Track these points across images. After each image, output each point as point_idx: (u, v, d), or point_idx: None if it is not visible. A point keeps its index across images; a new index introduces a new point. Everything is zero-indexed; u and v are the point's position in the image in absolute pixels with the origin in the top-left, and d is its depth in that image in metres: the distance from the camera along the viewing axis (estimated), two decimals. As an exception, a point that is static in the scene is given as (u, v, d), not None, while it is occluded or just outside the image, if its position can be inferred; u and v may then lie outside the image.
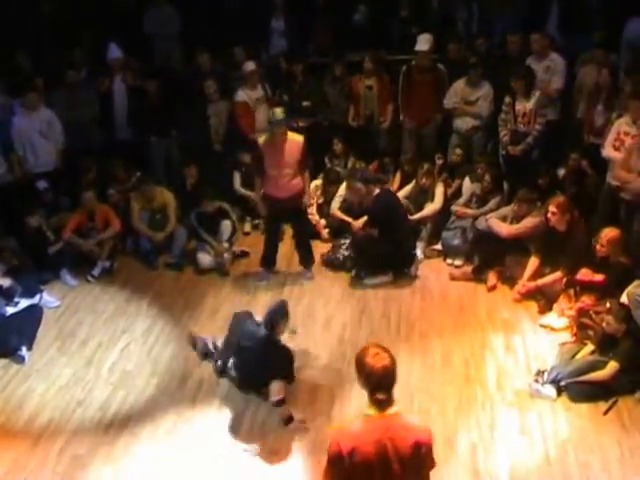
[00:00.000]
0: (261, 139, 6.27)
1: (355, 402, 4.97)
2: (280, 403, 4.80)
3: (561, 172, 7.03)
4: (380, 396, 2.91)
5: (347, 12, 8.77)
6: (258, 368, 4.89)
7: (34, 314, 5.99)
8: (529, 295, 6.11)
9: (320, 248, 7.10)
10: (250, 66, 7.76)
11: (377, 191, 6.46)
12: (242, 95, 7.77)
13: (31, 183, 7.26)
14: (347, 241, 6.93)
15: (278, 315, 4.98)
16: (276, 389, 4.79)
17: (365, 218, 6.72)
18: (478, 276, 6.51)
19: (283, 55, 8.51)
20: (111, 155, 7.77)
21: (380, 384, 2.91)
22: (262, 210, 6.55)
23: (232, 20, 8.42)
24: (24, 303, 6.05)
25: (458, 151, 7.59)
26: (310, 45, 8.85)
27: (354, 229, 6.91)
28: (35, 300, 6.20)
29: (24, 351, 5.66)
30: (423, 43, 7.59)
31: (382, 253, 6.48)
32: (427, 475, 3.03)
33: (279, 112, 6.08)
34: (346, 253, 6.82)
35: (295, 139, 6.20)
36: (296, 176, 6.29)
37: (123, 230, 7.17)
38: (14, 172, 7.23)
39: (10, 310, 5.93)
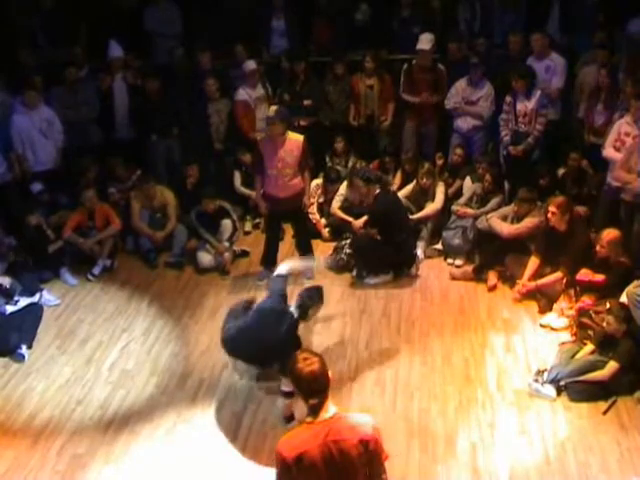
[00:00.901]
0: (261, 139, 6.27)
1: (355, 401, 4.98)
2: (289, 395, 4.70)
3: (561, 172, 7.03)
4: (312, 401, 2.89)
5: (348, 11, 8.77)
6: (278, 345, 4.63)
7: (34, 313, 5.99)
8: (529, 295, 6.11)
9: (321, 247, 7.10)
10: (251, 65, 7.76)
11: (378, 191, 6.46)
12: (242, 94, 7.77)
13: (31, 182, 7.26)
14: (348, 241, 6.93)
15: (314, 299, 4.94)
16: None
17: (365, 217, 6.72)
18: (478, 276, 6.51)
19: (285, 54, 8.50)
20: (111, 154, 7.77)
21: (310, 389, 2.89)
22: (262, 209, 6.56)
23: (233, 19, 8.41)
24: (24, 302, 6.05)
25: (458, 151, 7.60)
26: (311, 44, 8.84)
27: (355, 228, 6.91)
28: (35, 299, 6.20)
29: (24, 350, 5.66)
30: (425, 42, 7.59)
31: (382, 253, 6.49)
32: (380, 468, 3.00)
33: (273, 109, 6.09)
34: (349, 251, 6.82)
35: (295, 138, 6.19)
36: (296, 176, 6.28)
37: (123, 229, 7.17)
38: (14, 171, 7.24)
39: (10, 309, 5.92)
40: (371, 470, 2.97)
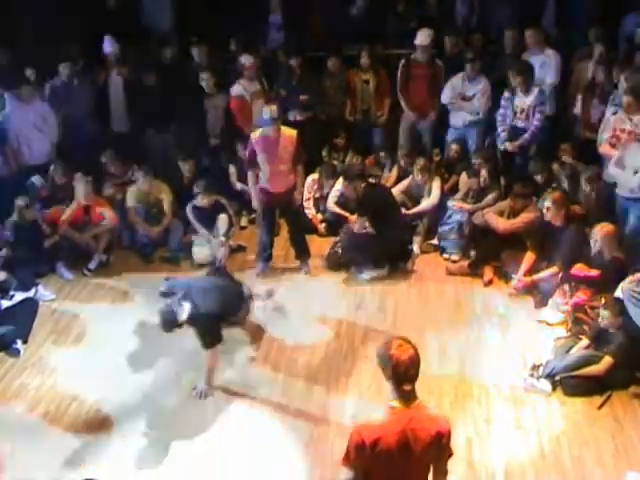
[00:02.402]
0: (254, 134, 6.26)
1: (351, 396, 4.99)
2: None
3: (555, 167, 7.04)
4: (407, 387, 2.94)
5: (344, 6, 8.76)
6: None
7: (29, 307, 5.98)
8: (525, 290, 6.13)
9: (317, 242, 7.10)
10: (247, 60, 7.74)
11: (363, 185, 6.47)
12: (239, 89, 7.75)
13: (26, 176, 7.24)
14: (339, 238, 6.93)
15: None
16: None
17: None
18: (474, 271, 6.52)
19: (281, 48, 8.48)
20: (107, 148, 7.75)
21: (407, 375, 2.93)
22: (256, 204, 6.55)
23: (229, 13, 8.39)
24: (19, 296, 6.04)
25: (454, 147, 7.60)
26: (307, 39, 8.83)
27: (351, 224, 6.91)
28: (30, 293, 6.18)
29: (19, 344, 5.65)
30: (423, 37, 7.57)
31: (375, 247, 6.48)
32: (445, 465, 3.08)
33: (274, 110, 6.07)
34: (339, 250, 6.81)
35: (289, 134, 6.18)
36: (290, 171, 6.29)
37: (119, 224, 7.16)
38: (9, 165, 7.21)
39: (5, 303, 5.91)
40: (438, 465, 3.04)
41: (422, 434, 2.93)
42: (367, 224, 6.52)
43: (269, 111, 6.09)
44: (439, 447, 2.97)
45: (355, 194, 6.56)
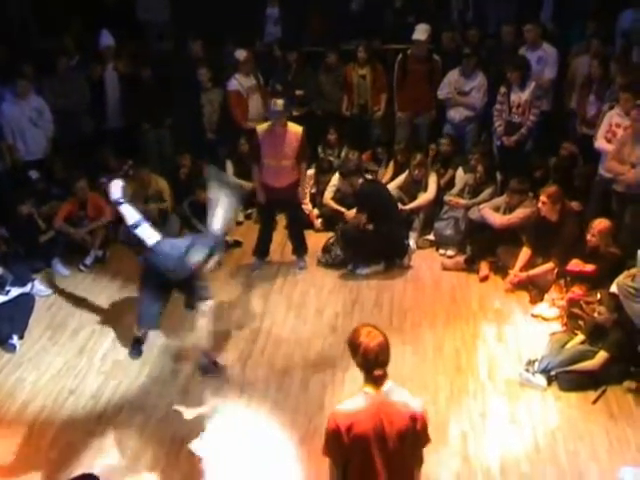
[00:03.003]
0: (260, 128, 6.24)
1: (348, 390, 4.99)
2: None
3: (552, 161, 7.05)
4: (378, 372, 3.00)
5: (344, 1, 8.74)
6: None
7: (25, 303, 5.97)
8: (521, 285, 6.14)
9: (313, 238, 7.10)
10: (244, 54, 7.72)
11: (361, 181, 6.47)
12: (235, 83, 7.73)
13: (22, 171, 7.23)
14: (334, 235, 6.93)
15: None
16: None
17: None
18: (470, 266, 6.54)
19: (277, 43, 8.46)
20: (102, 143, 7.73)
21: (377, 361, 2.99)
22: (260, 198, 6.54)
23: (226, 7, 8.37)
24: (15, 292, 6.00)
25: (444, 140, 7.56)
26: (304, 33, 8.81)
27: (347, 219, 6.91)
28: (27, 289, 6.17)
29: (15, 340, 5.65)
30: (420, 33, 7.56)
31: (371, 242, 6.48)
32: (421, 453, 3.12)
33: (280, 103, 6.04)
34: (333, 244, 6.81)
35: (294, 130, 6.17)
36: (294, 166, 6.27)
37: (115, 219, 7.14)
38: (4, 160, 7.20)
39: (1, 299, 5.89)
40: (414, 451, 3.09)
41: (396, 418, 2.98)
42: (364, 220, 6.52)
43: (276, 105, 6.06)
44: (414, 432, 3.01)
45: (352, 190, 6.57)
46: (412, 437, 3.02)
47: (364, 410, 2.98)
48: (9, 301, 5.90)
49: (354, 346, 3.05)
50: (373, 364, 2.99)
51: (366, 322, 3.29)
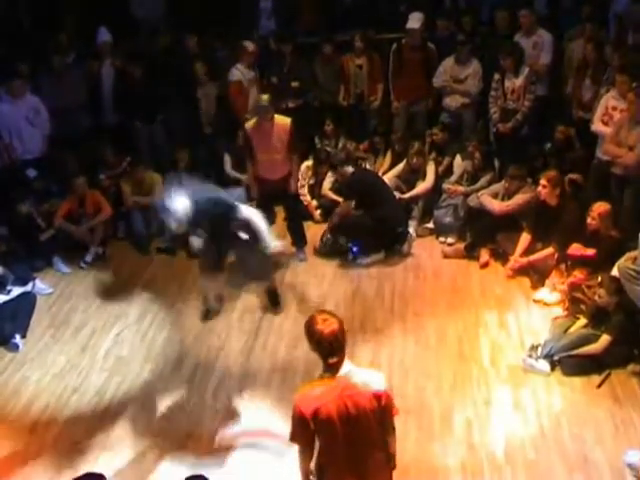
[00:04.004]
0: (248, 125, 6.24)
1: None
2: None
3: (548, 146, 7.03)
4: (332, 360, 3.00)
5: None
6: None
7: (27, 302, 5.98)
8: (521, 271, 6.13)
9: (312, 229, 7.09)
10: (252, 45, 7.68)
11: (352, 170, 6.48)
12: (237, 74, 7.67)
13: (20, 170, 7.21)
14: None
15: None
16: None
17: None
18: (470, 253, 6.53)
19: (272, 36, 8.43)
20: (100, 140, 7.71)
21: (332, 349, 3.00)
22: (254, 192, 6.54)
23: (219, 2, 8.34)
24: (17, 291, 6.03)
25: (436, 130, 7.52)
26: (298, 25, 8.77)
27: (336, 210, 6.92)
28: (28, 288, 6.18)
29: (18, 339, 5.66)
30: (414, 21, 7.52)
31: (365, 228, 6.47)
32: (391, 423, 3.15)
33: (265, 98, 6.06)
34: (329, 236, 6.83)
35: (282, 122, 6.16)
36: (286, 159, 6.27)
37: (114, 215, 7.14)
38: (2, 159, 7.18)
39: (3, 298, 5.90)
40: (383, 425, 3.10)
41: (358, 398, 3.00)
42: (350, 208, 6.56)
43: (262, 100, 6.08)
44: (380, 408, 3.04)
45: (341, 180, 6.60)
46: (379, 413, 3.05)
47: (326, 395, 2.99)
48: (11, 300, 5.92)
49: (310, 333, 3.05)
50: (328, 352, 3.00)
51: (324, 309, 3.28)
